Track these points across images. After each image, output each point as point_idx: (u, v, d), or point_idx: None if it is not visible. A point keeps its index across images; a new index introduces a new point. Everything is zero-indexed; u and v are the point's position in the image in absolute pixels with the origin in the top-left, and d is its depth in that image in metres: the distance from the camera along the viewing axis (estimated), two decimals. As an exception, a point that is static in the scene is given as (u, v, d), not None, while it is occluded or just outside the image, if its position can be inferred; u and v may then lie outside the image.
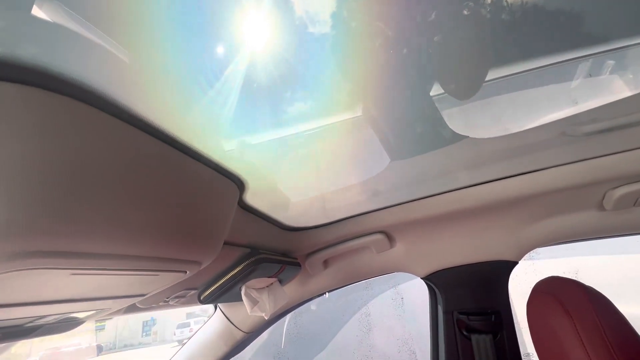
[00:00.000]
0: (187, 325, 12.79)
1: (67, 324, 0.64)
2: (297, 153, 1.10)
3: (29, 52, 0.30)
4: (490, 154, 1.12)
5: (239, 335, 1.35)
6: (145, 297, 0.65)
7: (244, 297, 0.87)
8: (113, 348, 15.95)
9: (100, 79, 0.36)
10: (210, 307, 1.42)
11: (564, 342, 0.70)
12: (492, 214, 1.10)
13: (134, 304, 0.77)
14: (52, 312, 0.53)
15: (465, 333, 1.16)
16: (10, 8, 0.31)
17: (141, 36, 0.40)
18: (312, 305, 2.53)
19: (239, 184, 0.68)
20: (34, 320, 0.54)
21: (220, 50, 0.50)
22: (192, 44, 0.46)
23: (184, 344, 1.42)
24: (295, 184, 1.12)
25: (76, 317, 0.63)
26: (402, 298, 2.37)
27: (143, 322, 16.53)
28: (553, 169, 1.00)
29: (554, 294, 0.78)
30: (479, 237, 1.15)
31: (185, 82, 0.49)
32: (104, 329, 16.50)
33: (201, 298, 0.84)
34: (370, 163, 1.17)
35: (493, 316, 1.13)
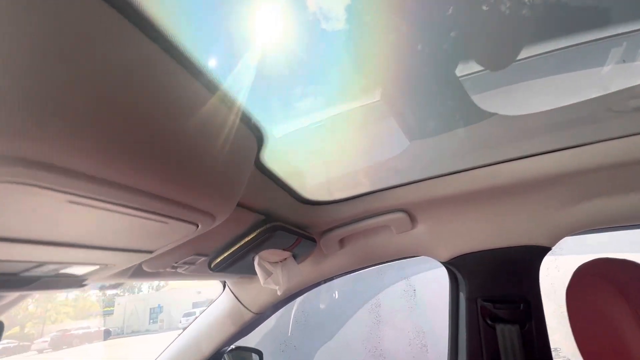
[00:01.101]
0: (193, 314, 12.94)
1: (67, 280, 0.59)
2: (319, 127, 1.04)
3: None
4: (525, 129, 1.03)
5: (247, 316, 1.29)
6: (153, 254, 0.59)
7: (257, 267, 0.81)
8: (121, 333, 16.27)
9: None
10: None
11: (620, 328, 0.62)
12: (526, 193, 1.01)
13: (141, 267, 0.72)
14: (50, 258, 0.47)
15: (489, 322, 1.08)
16: None
17: None
18: (320, 293, 2.48)
19: (258, 139, 0.62)
20: (31, 268, 0.49)
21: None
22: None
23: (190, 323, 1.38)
24: (314, 155, 1.06)
25: (77, 274, 0.57)
26: (414, 290, 2.30)
27: (150, 309, 16.83)
28: (598, 144, 0.91)
29: (605, 275, 0.69)
30: (510, 219, 1.06)
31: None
32: (112, 314, 16.85)
33: (211, 266, 0.78)
34: (393, 140, 1.10)
35: (522, 305, 1.04)
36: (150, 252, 0.58)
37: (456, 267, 1.14)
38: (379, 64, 0.91)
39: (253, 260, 0.82)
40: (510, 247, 1.07)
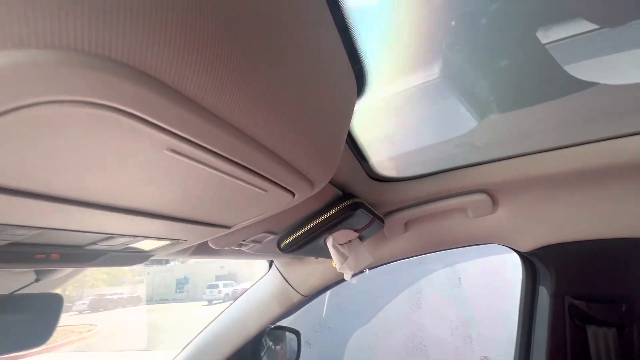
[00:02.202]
0: (216, 286, 13.52)
1: (132, 256, 0.50)
2: (393, 96, 0.90)
3: None
4: (635, 101, 0.84)
5: (296, 298, 1.22)
6: (231, 229, 0.49)
7: (332, 250, 0.70)
8: (151, 301, 17.35)
9: None
10: (240, 272, 1.31)
11: None
12: (636, 175, 0.83)
13: (206, 243, 0.63)
14: (121, 229, 0.38)
15: (578, 323, 0.94)
16: None
17: None
18: (358, 278, 2.41)
19: (359, 89, 0.49)
20: (98, 241, 0.40)
21: None
22: None
23: (214, 304, 1.33)
24: (387, 125, 0.92)
25: (144, 249, 0.49)
26: (459, 278, 2.17)
27: (177, 279, 17.76)
28: None
29: None
30: (616, 206, 0.89)
31: None
32: (143, 282, 17.93)
33: (281, 245, 0.68)
34: (477, 112, 0.95)
35: (623, 305, 0.89)
36: (229, 227, 0.48)
37: (540, 258, 1.00)
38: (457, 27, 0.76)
39: (325, 241, 0.72)
40: (615, 239, 0.90)
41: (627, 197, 0.88)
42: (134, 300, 16.24)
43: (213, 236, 0.51)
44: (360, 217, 0.71)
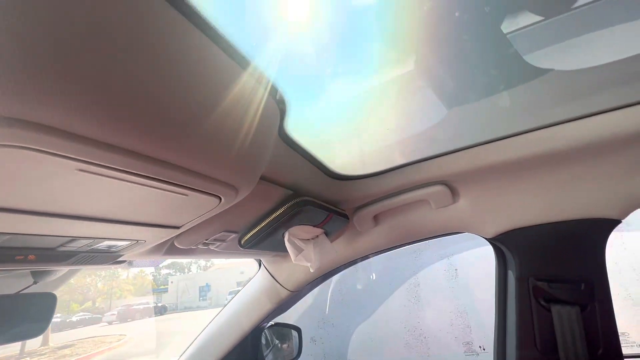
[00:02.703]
0: (238, 292, 13.74)
1: (103, 256, 0.60)
2: (349, 95, 0.97)
3: None
4: (588, 85, 0.88)
5: (283, 293, 1.30)
6: (180, 229, 0.58)
7: (287, 244, 0.78)
8: (175, 309, 17.85)
9: None
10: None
11: None
12: (589, 158, 0.87)
13: (173, 243, 0.72)
14: (81, 232, 0.47)
15: (543, 303, 0.97)
16: None
17: None
18: (357, 272, 2.46)
19: (281, 109, 0.57)
20: (66, 243, 0.50)
21: None
22: None
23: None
24: (346, 127, 1.00)
25: (111, 250, 0.58)
26: (455, 270, 2.20)
27: (199, 287, 18.21)
28: None
29: None
30: (569, 189, 0.93)
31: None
32: (166, 291, 18.47)
33: (242, 242, 0.77)
34: (431, 105, 1.00)
35: (583, 284, 0.93)
36: (177, 227, 0.57)
37: (504, 243, 1.04)
38: (414, 25, 0.82)
39: (283, 236, 0.80)
40: (571, 221, 0.94)
41: (579, 179, 0.92)
42: (159, 309, 16.76)
43: (169, 236, 0.60)
44: (313, 214, 0.79)
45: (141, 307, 16.09)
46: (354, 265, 1.40)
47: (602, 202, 0.91)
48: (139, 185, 0.39)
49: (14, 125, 0.26)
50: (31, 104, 0.25)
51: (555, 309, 0.95)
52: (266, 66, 0.48)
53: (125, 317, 15.16)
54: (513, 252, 1.03)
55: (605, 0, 0.82)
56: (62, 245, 0.50)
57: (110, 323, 14.75)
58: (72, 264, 0.57)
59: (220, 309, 1.42)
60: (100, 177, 0.35)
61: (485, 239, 1.10)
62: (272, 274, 1.30)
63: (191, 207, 0.51)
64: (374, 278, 2.44)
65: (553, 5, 0.86)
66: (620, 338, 0.96)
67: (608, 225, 0.92)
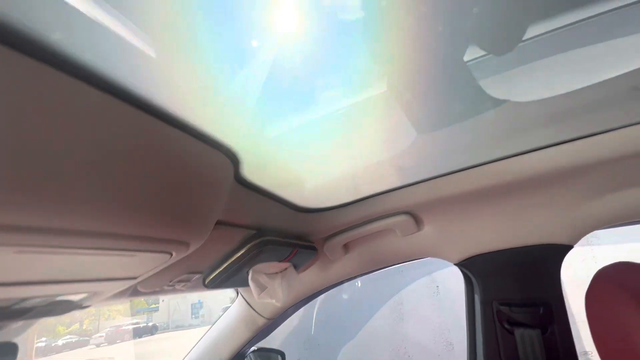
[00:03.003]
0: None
1: (63, 306, 0.62)
2: (309, 125, 1.00)
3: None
4: (537, 118, 0.94)
5: (260, 321, 1.31)
6: (138, 280, 0.61)
7: (250, 282, 0.81)
8: (167, 328, 17.36)
9: (73, 41, 0.29)
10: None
11: (636, 338, 0.55)
12: (541, 188, 0.93)
13: (136, 287, 0.74)
14: (34, 294, 0.49)
15: (507, 327, 1.01)
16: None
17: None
18: (342, 292, 2.47)
19: (232, 158, 0.61)
20: (18, 302, 0.51)
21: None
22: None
23: (210, 328, 1.43)
24: (305, 158, 1.03)
25: (70, 300, 0.60)
26: (437, 286, 2.23)
27: (191, 304, 17.80)
28: (621, 130, 0.81)
29: (622, 282, 0.62)
30: (524, 216, 0.98)
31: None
32: (157, 310, 18.00)
33: (206, 282, 0.79)
34: (394, 137, 1.04)
35: (541, 308, 0.97)
36: (134, 278, 0.59)
37: (468, 268, 1.08)
38: (383, 50, 0.83)
39: (248, 274, 0.83)
40: (527, 247, 0.99)
41: (532, 208, 0.97)
42: (150, 329, 16.28)
43: (127, 286, 0.62)
44: (276, 251, 0.82)
45: (131, 327, 15.63)
46: (339, 286, 1.42)
47: (554, 228, 0.96)
48: (83, 255, 0.42)
49: None
50: None
51: (518, 332, 0.99)
52: (208, 119, 0.51)
53: (114, 338, 14.68)
54: (477, 276, 1.07)
55: (555, 34, 0.88)
56: (14, 304, 0.52)
57: (98, 345, 14.25)
58: (31, 317, 0.58)
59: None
60: (40, 254, 0.38)
61: (453, 263, 1.14)
62: (248, 302, 1.31)
63: (142, 262, 0.53)
64: (359, 297, 2.45)
65: (499, 43, 0.92)
66: (584, 357, 1.00)
67: (561, 250, 0.97)
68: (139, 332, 15.78)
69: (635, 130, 0.80)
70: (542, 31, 0.85)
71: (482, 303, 1.05)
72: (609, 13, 0.79)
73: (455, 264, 1.12)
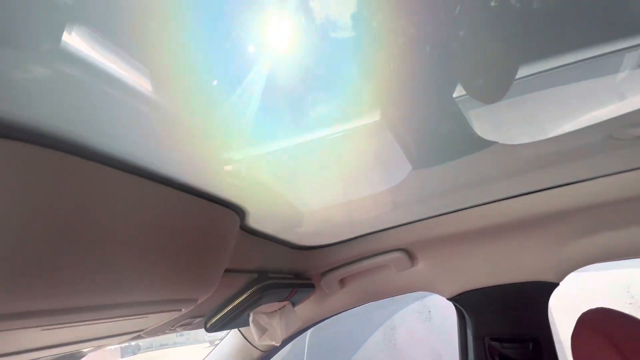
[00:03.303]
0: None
1: (72, 357, 0.63)
2: (307, 166, 1.04)
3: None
4: (524, 162, 1.00)
5: (256, 353, 1.31)
6: (144, 331, 0.62)
7: (252, 326, 0.83)
8: (150, 347, 16.68)
9: (76, 124, 0.33)
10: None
11: None
12: (528, 230, 0.98)
13: (138, 335, 0.75)
14: (46, 355, 0.51)
15: None
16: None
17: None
18: (335, 318, 2.48)
19: (239, 211, 0.64)
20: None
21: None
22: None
23: (216, 344, 1.42)
24: (305, 201, 1.07)
25: (79, 352, 0.61)
26: (429, 311, 2.25)
27: (177, 322, 17.18)
28: (599, 179, 0.88)
29: (602, 329, 0.67)
30: (513, 255, 1.03)
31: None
32: (141, 328, 17.31)
33: (207, 326, 0.81)
34: (387, 174, 1.09)
35: (531, 344, 1.01)
36: (140, 330, 0.61)
37: (461, 303, 1.12)
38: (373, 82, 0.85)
39: (249, 316, 0.84)
40: (516, 284, 1.04)
41: (520, 247, 1.02)
42: (132, 349, 15.64)
43: (132, 337, 0.64)
44: (276, 294, 0.84)
45: (112, 347, 14.97)
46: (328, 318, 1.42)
47: (540, 267, 1.01)
48: (102, 324, 0.44)
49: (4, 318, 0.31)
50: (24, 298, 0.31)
51: None
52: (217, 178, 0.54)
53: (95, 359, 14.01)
54: (469, 312, 1.10)
55: (538, 77, 0.94)
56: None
57: (77, 367, 13.58)
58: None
59: (198, 345, 1.40)
60: (60, 328, 0.40)
61: (446, 298, 1.18)
62: (244, 334, 1.31)
63: (152, 320, 0.55)
64: (353, 322, 2.44)
65: (488, 95, 0.98)
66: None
67: (548, 287, 1.02)
68: (122, 352, 15.12)
69: (608, 180, 0.86)
70: (526, 74, 0.92)
71: (474, 338, 1.08)
72: (586, 61, 0.86)
73: (448, 299, 1.16)
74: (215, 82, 0.42)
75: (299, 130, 0.85)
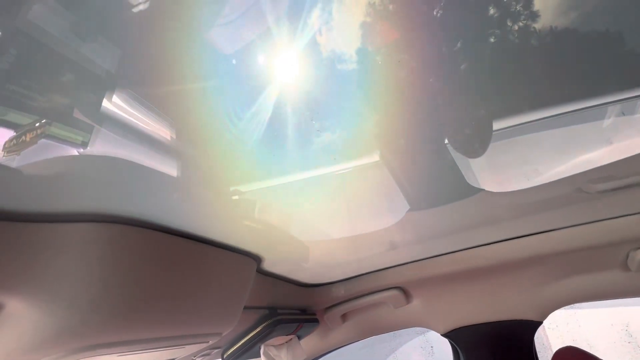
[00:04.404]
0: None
1: None
2: (313, 209, 1.18)
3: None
4: (505, 210, 1.13)
5: None
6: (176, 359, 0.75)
7: (262, 357, 0.94)
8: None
9: (143, 206, 0.48)
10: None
11: None
12: (510, 272, 1.10)
13: None
14: None
15: None
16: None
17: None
18: (338, 354, 2.52)
19: (256, 258, 0.78)
20: None
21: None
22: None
23: None
24: (313, 243, 1.20)
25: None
26: (431, 347, 2.28)
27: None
28: (570, 228, 1.00)
29: None
30: (498, 295, 1.14)
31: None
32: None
33: (224, 357, 0.92)
34: (387, 214, 1.22)
35: None
36: (173, 359, 0.74)
37: (454, 339, 1.21)
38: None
39: (260, 348, 0.96)
40: (503, 322, 1.13)
41: (504, 288, 1.13)
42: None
43: None
44: (284, 328, 0.95)
45: None
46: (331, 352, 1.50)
47: (523, 306, 1.11)
48: (153, 352, 0.58)
49: (93, 348, 0.45)
50: (104, 333, 0.45)
51: None
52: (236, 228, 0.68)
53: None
54: (461, 347, 1.19)
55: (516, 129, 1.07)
56: None
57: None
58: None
59: None
60: (131, 355, 0.53)
61: (440, 334, 1.27)
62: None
63: (186, 350, 0.68)
64: (358, 357, 2.47)
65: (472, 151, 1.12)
66: None
67: (532, 326, 1.11)
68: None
69: (580, 229, 0.99)
70: (506, 125, 1.04)
71: None
72: (558, 116, 0.99)
73: (442, 335, 1.24)
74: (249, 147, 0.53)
75: (304, 169, 0.94)
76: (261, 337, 0.91)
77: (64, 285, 0.40)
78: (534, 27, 0.53)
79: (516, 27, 0.53)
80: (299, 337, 1.12)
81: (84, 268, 0.41)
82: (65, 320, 0.40)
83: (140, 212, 0.48)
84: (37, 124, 0.36)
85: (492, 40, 0.55)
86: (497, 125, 0.86)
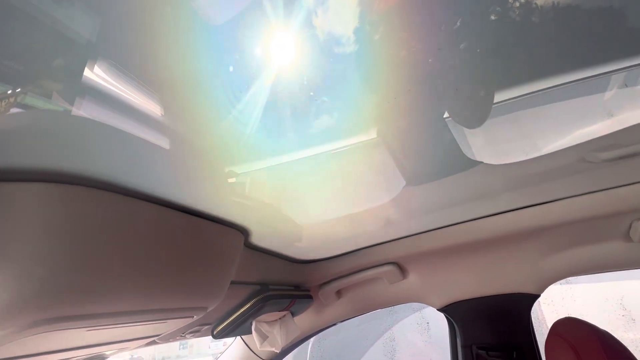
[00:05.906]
0: (221, 339, 13.02)
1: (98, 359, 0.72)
2: (306, 184, 1.14)
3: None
4: (505, 182, 1.09)
5: None
6: (160, 336, 0.71)
7: (254, 333, 0.91)
8: (153, 360, 16.51)
9: (108, 164, 0.43)
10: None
11: None
12: (509, 245, 1.07)
13: (154, 340, 0.84)
14: (77, 355, 0.60)
15: None
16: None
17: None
18: (335, 330, 2.54)
19: (243, 231, 0.74)
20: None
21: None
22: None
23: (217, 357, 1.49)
24: (303, 218, 1.16)
25: (102, 354, 0.70)
26: (427, 323, 2.30)
27: (180, 335, 17.05)
28: (572, 198, 0.96)
29: (567, 336, 0.75)
30: (496, 268, 1.11)
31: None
32: (144, 341, 17.18)
33: (214, 333, 0.89)
34: (382, 190, 1.18)
35: (515, 352, 1.07)
36: (157, 335, 0.70)
37: (450, 314, 1.19)
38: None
39: (251, 324, 0.93)
40: (500, 295, 1.11)
41: (503, 261, 1.10)
42: (135, 362, 15.49)
43: (148, 341, 0.73)
44: (277, 303, 0.92)
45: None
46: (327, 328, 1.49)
47: (522, 279, 1.09)
48: (129, 327, 0.54)
49: (52, 321, 0.40)
50: (63, 307, 0.40)
51: None
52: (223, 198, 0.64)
53: (96, 372, 13.91)
54: (457, 322, 1.17)
55: (518, 100, 1.02)
56: None
57: (79, 380, 13.49)
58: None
59: (201, 358, 1.46)
60: (101, 329, 0.49)
61: (436, 309, 1.25)
62: (247, 343, 1.39)
63: (168, 325, 0.64)
64: (352, 334, 2.49)
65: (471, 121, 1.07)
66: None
67: (529, 299, 1.09)
68: (123, 365, 14.96)
69: (581, 200, 0.95)
70: (507, 97, 1.00)
71: (463, 347, 1.15)
72: (561, 86, 0.95)
73: (438, 309, 1.23)
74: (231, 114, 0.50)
75: (299, 148, 0.92)
76: (252, 313, 0.88)
77: (14, 250, 0.35)
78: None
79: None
80: (293, 314, 1.09)
81: (40, 232, 0.36)
82: (16, 290, 0.35)
83: (110, 174, 0.43)
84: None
85: (492, 18, 0.52)
86: (497, 97, 0.84)
